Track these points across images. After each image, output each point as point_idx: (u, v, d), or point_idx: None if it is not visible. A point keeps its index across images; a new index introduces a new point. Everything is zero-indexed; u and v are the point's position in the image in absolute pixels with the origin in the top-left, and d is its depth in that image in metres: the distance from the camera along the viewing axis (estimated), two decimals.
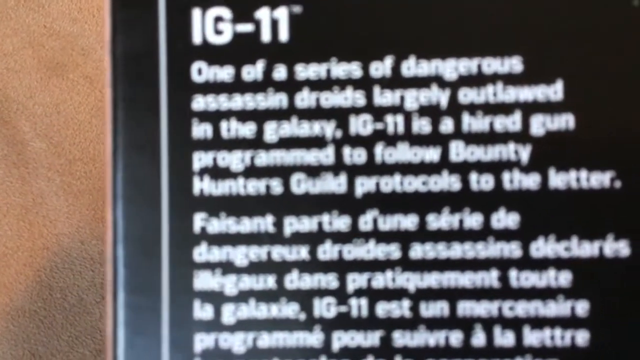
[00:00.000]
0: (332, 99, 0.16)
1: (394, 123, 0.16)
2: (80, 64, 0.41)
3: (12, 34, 0.41)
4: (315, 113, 0.16)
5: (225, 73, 0.16)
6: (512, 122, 0.16)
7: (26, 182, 0.40)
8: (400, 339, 0.16)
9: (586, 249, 0.15)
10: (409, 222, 0.16)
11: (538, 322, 0.15)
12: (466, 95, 0.16)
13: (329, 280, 0.16)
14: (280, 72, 0.16)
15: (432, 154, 0.16)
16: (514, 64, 0.16)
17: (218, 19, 0.16)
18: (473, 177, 0.16)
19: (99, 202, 0.40)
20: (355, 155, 0.16)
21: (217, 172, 0.16)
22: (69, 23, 0.41)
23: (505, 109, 0.16)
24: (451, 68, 0.16)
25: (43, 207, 0.40)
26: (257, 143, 0.16)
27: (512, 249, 0.15)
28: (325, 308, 0.16)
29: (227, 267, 0.16)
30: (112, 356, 0.16)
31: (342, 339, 0.16)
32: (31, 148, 0.41)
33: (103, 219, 0.40)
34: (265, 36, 0.16)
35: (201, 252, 0.16)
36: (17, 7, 0.42)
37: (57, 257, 0.40)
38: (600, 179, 0.15)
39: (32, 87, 0.41)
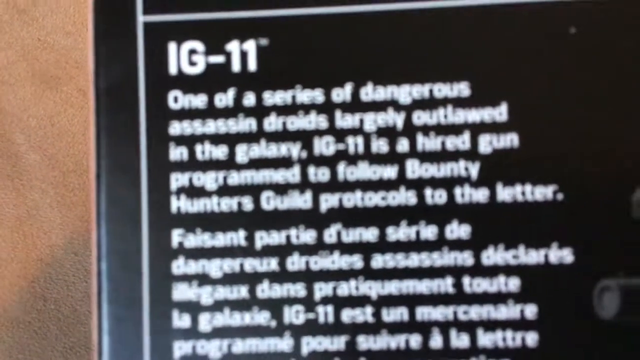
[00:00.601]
0: (297, 122, 0.17)
1: (354, 144, 0.17)
2: (74, 77, 0.41)
3: (7, 47, 0.42)
4: (282, 136, 0.17)
5: (199, 100, 0.17)
6: (462, 142, 0.17)
7: (20, 193, 0.41)
8: (364, 342, 0.17)
9: (533, 257, 0.17)
10: (370, 234, 0.17)
11: (490, 325, 0.17)
12: (420, 117, 0.17)
13: (298, 289, 0.17)
14: (249, 99, 0.17)
15: (389, 172, 0.17)
16: (462, 89, 0.17)
17: (192, 52, 0.17)
18: (428, 192, 0.17)
19: (91, 212, 0.41)
20: (319, 174, 0.17)
21: (193, 191, 0.17)
22: (63, 36, 0.42)
23: (455, 129, 0.17)
24: (405, 93, 0.17)
25: (37, 218, 0.41)
26: (229, 164, 0.17)
27: (465, 258, 0.17)
28: (294, 315, 0.17)
29: (203, 279, 0.17)
30: None
31: (310, 344, 0.17)
32: (25, 160, 0.41)
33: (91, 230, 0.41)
34: (236, 66, 0.17)
35: (179, 265, 0.17)
36: (11, 21, 0.42)
37: (51, 268, 0.40)
38: (543, 192, 0.17)
39: (26, 99, 0.41)
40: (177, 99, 0.17)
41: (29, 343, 0.39)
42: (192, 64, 0.17)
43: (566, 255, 0.17)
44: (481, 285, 0.17)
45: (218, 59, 0.17)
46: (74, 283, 0.40)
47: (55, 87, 0.41)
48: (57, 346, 0.39)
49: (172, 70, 0.18)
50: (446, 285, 0.17)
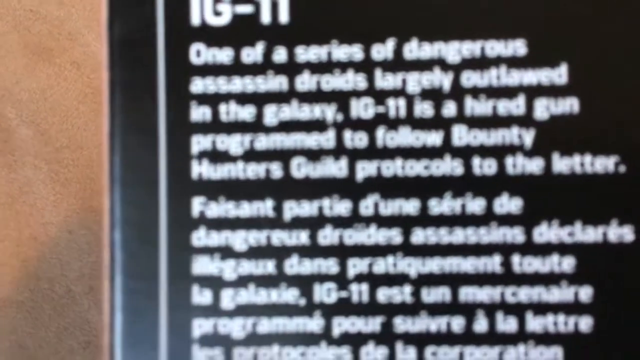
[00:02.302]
0: (333, 82, 0.16)
1: (395, 107, 0.16)
2: (67, 49, 0.40)
3: None
4: (316, 96, 0.16)
5: (224, 55, 0.16)
6: (515, 106, 0.15)
7: (12, 170, 0.40)
8: (402, 324, 0.15)
9: (590, 235, 0.15)
10: (410, 206, 0.15)
11: (541, 308, 0.15)
12: (469, 78, 0.15)
13: (330, 266, 0.15)
14: (280, 55, 0.16)
15: (434, 138, 0.15)
16: (518, 47, 0.15)
17: (217, 0, 0.16)
18: (476, 161, 0.15)
19: (87, 190, 0.39)
20: (356, 139, 0.16)
21: (216, 156, 0.16)
22: (55, 7, 0.41)
23: (508, 92, 0.15)
24: (454, 51, 0.15)
25: (30, 195, 0.39)
26: (256, 126, 0.16)
27: (515, 234, 0.15)
28: (325, 293, 0.15)
29: (226, 252, 0.16)
30: (109, 341, 0.15)
31: (342, 325, 0.15)
32: (17, 135, 0.40)
33: (91, 207, 0.39)
34: (265, 17, 0.16)
35: (200, 237, 0.16)
36: None
37: (44, 247, 0.39)
38: (604, 164, 0.15)
39: (17, 72, 0.40)
40: (200, 53, 0.16)
41: (21, 323, 0.37)
42: (217, 13, 0.16)
43: (626, 234, 0.15)
44: (532, 264, 0.15)
45: (246, 8, 0.16)
46: (68, 262, 0.38)
47: (48, 60, 0.40)
48: (50, 327, 0.37)
49: (195, 20, 0.16)
50: (493, 264, 0.15)
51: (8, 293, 0.38)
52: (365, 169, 0.16)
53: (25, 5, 0.41)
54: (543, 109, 0.15)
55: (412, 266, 0.15)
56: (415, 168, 0.15)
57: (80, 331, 0.38)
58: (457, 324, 0.15)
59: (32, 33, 0.41)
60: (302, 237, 0.16)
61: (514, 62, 0.15)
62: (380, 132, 0.16)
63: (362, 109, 0.16)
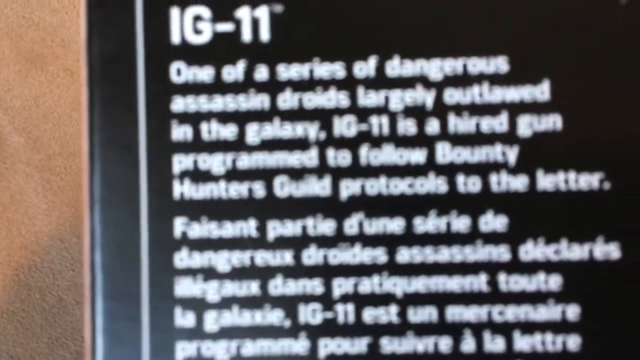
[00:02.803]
0: (315, 100, 0.15)
1: (378, 124, 0.15)
2: (60, 56, 0.40)
3: None
4: (298, 114, 0.15)
5: (205, 73, 0.16)
6: (498, 123, 0.15)
7: (4, 178, 0.39)
8: (388, 345, 0.15)
9: (576, 252, 0.15)
10: (395, 225, 0.15)
11: (528, 327, 0.15)
12: (452, 95, 0.15)
13: (314, 286, 0.15)
14: (261, 73, 0.16)
15: (418, 156, 0.15)
16: (500, 64, 0.15)
17: (197, 18, 0.16)
18: (460, 179, 0.15)
19: (79, 198, 0.39)
20: (339, 157, 0.15)
21: (198, 175, 0.16)
22: (48, 14, 0.41)
23: (491, 109, 0.15)
24: (436, 68, 0.15)
25: (21, 204, 0.39)
26: (238, 145, 0.16)
27: (501, 253, 0.15)
28: (310, 314, 0.15)
29: (209, 273, 0.15)
30: None
31: (328, 346, 0.15)
32: (9, 143, 0.40)
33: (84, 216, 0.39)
34: (246, 36, 0.16)
35: (182, 258, 0.15)
36: None
37: (35, 255, 0.39)
38: (589, 180, 0.15)
39: (10, 79, 0.40)
40: (180, 72, 0.16)
41: (12, 333, 0.37)
42: (197, 32, 0.16)
43: (613, 251, 0.15)
44: (519, 283, 0.15)
45: (226, 26, 0.16)
46: (60, 271, 0.38)
47: (41, 67, 0.40)
48: (42, 337, 0.37)
49: (175, 39, 0.16)
50: (480, 282, 0.15)
51: None
52: (349, 188, 0.15)
53: (17, 12, 0.41)
54: (526, 125, 0.15)
55: (398, 285, 0.15)
56: (400, 186, 0.15)
57: (72, 341, 0.38)
58: (445, 344, 0.15)
59: (25, 40, 0.40)
60: (286, 257, 0.15)
61: (496, 80, 0.15)
62: (364, 150, 0.15)
63: (345, 127, 0.15)
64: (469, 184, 0.15)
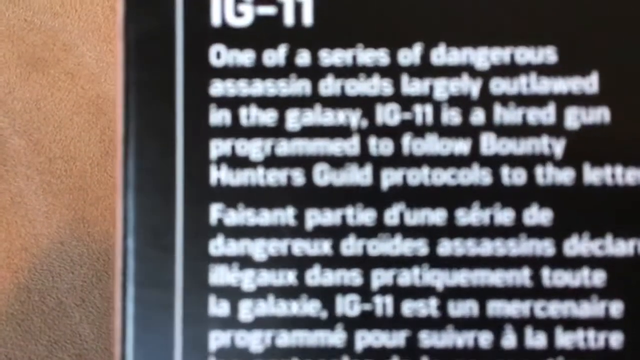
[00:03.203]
0: (357, 87, 0.15)
1: (422, 113, 0.15)
2: (61, 60, 0.40)
3: None
4: (340, 101, 0.15)
5: (245, 57, 0.15)
6: (545, 115, 0.15)
7: (4, 180, 0.39)
8: (427, 339, 0.15)
9: (621, 248, 0.15)
10: (437, 216, 0.15)
11: (571, 323, 0.15)
12: (498, 85, 0.15)
13: (353, 277, 0.15)
14: (303, 58, 0.15)
15: (462, 146, 0.15)
16: (548, 54, 0.15)
17: (239, 0, 0.15)
18: (504, 171, 0.15)
19: (79, 201, 0.39)
20: (381, 146, 0.15)
21: (236, 161, 0.15)
22: (50, 17, 0.40)
23: (538, 100, 0.15)
24: (483, 57, 0.15)
25: (22, 206, 0.39)
26: (278, 131, 0.15)
27: (545, 247, 0.15)
28: (348, 306, 0.15)
29: (245, 262, 0.15)
30: (120, 354, 0.15)
31: (365, 339, 0.15)
32: (10, 145, 0.40)
33: (84, 219, 0.39)
34: (288, 19, 0.15)
35: (217, 245, 0.15)
36: None
37: (35, 258, 0.38)
38: (636, 175, 0.15)
39: (11, 82, 0.40)
40: (220, 55, 0.15)
41: (11, 336, 0.37)
42: (238, 14, 0.15)
43: None
44: (562, 278, 0.15)
45: (268, 9, 0.15)
46: (60, 274, 0.38)
47: (42, 70, 0.40)
48: (41, 340, 0.36)
49: (215, 21, 0.15)
50: (522, 277, 0.15)
51: None
52: (391, 177, 0.15)
53: (19, 15, 0.40)
54: (574, 118, 0.15)
55: (439, 278, 0.15)
56: (442, 177, 0.15)
57: (72, 344, 0.37)
58: (485, 339, 0.15)
59: (26, 43, 0.40)
60: (324, 247, 0.15)
61: (544, 70, 0.15)
62: (407, 140, 0.15)
63: (388, 115, 0.15)
64: (514, 176, 0.15)
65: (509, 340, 0.15)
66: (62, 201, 0.39)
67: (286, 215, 0.15)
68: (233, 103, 0.15)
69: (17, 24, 0.41)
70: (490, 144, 0.15)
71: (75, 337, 0.37)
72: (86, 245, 0.39)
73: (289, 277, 0.15)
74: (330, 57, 0.15)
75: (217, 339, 0.15)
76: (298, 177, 0.15)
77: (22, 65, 0.40)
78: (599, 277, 0.15)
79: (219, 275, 0.15)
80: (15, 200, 0.39)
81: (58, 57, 0.40)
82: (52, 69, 0.40)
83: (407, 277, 0.15)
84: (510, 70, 0.15)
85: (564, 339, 0.15)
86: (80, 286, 0.38)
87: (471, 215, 0.15)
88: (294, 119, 0.15)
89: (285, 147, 0.15)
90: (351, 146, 0.15)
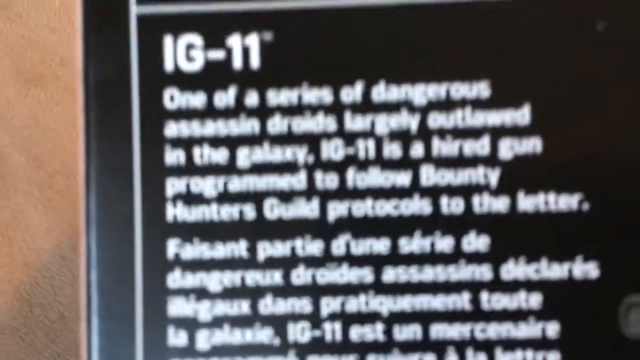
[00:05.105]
0: (303, 124, 0.16)
1: (365, 148, 0.16)
2: (59, 75, 0.41)
3: None
4: (287, 139, 0.16)
5: (197, 100, 0.16)
6: (480, 146, 0.16)
7: (4, 196, 0.40)
8: None
9: (556, 271, 0.16)
10: (381, 245, 0.16)
11: (510, 344, 0.16)
12: (436, 119, 0.16)
13: (303, 305, 0.16)
14: (252, 98, 0.16)
15: (403, 178, 0.16)
16: (482, 89, 0.16)
17: (190, 46, 0.16)
18: (444, 200, 0.16)
19: (79, 216, 0.40)
20: (327, 180, 0.16)
21: (191, 198, 0.16)
22: (48, 33, 0.41)
23: (474, 133, 0.16)
24: (420, 93, 0.16)
25: (22, 222, 0.40)
26: (229, 169, 0.16)
27: (483, 272, 0.16)
28: (299, 332, 0.16)
29: (201, 293, 0.16)
30: None
31: None
32: (9, 161, 0.40)
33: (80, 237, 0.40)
34: (237, 63, 0.16)
35: (175, 278, 0.16)
36: None
37: (37, 272, 0.39)
38: (568, 202, 0.16)
39: (10, 98, 0.41)
40: (174, 98, 0.16)
41: (14, 350, 0.38)
42: (189, 59, 0.16)
43: (591, 270, 0.15)
44: (500, 301, 0.16)
45: (218, 54, 0.16)
46: (61, 288, 0.39)
47: (40, 86, 0.41)
48: (44, 353, 0.38)
49: (168, 66, 0.16)
50: (463, 301, 0.16)
51: (1, 319, 0.38)
52: (337, 210, 0.16)
53: (17, 31, 0.41)
54: (507, 148, 0.16)
55: (384, 304, 0.16)
56: (385, 208, 0.16)
57: (74, 357, 0.38)
58: None
59: (24, 59, 0.41)
60: (275, 277, 0.16)
61: (478, 104, 0.16)
62: (351, 173, 0.16)
63: (333, 150, 0.16)
64: (452, 205, 0.16)
65: None
66: (63, 216, 0.40)
67: (239, 248, 0.16)
68: (187, 143, 0.16)
69: (14, 40, 0.41)
70: (429, 175, 0.16)
71: (77, 350, 0.38)
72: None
73: (243, 306, 0.16)
74: (277, 97, 0.16)
75: None
76: (249, 211, 0.16)
77: (20, 82, 0.41)
78: (535, 300, 0.16)
79: (177, 307, 0.16)
80: (16, 216, 0.40)
81: (56, 72, 0.41)
82: (50, 84, 0.41)
83: (354, 304, 0.16)
84: (447, 104, 0.16)
85: (504, 359, 0.16)
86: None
87: (413, 244, 0.16)
88: (244, 156, 0.16)
89: (237, 184, 0.16)
90: (299, 181, 0.16)
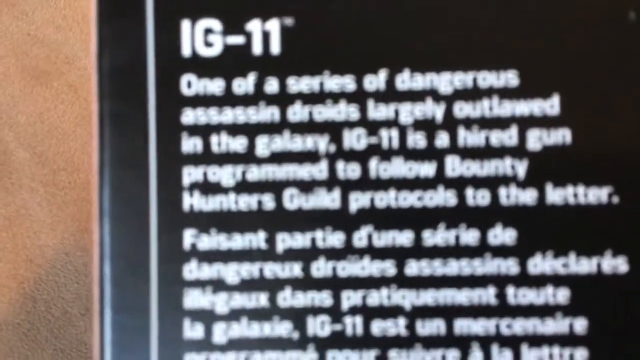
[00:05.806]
0: (325, 112, 0.16)
1: (388, 137, 0.15)
2: (64, 72, 0.40)
3: None
4: (308, 127, 0.16)
5: (215, 86, 0.16)
6: (508, 137, 0.15)
7: (9, 192, 0.40)
8: (396, 357, 0.15)
9: (584, 266, 0.15)
10: (404, 238, 0.15)
11: (536, 340, 0.15)
12: (462, 109, 0.15)
13: (323, 298, 0.15)
14: (272, 85, 0.16)
15: (427, 169, 0.15)
16: (510, 78, 0.15)
17: (208, 31, 0.16)
18: (469, 192, 0.15)
19: (83, 212, 0.39)
20: (349, 170, 0.15)
21: (208, 187, 0.16)
22: (53, 31, 0.41)
23: (501, 123, 0.15)
24: (446, 82, 0.15)
25: (27, 218, 0.39)
26: (248, 157, 0.16)
27: (509, 266, 0.15)
28: (319, 326, 0.15)
29: (218, 285, 0.15)
30: None
31: (336, 358, 0.15)
32: (14, 158, 0.40)
33: (88, 230, 0.39)
34: (257, 49, 0.16)
35: (191, 270, 0.15)
36: (0, 15, 0.41)
37: (41, 269, 0.39)
38: (597, 195, 0.15)
39: (15, 95, 0.40)
40: (191, 84, 0.16)
41: (18, 345, 0.37)
42: (208, 45, 0.16)
43: (620, 265, 0.15)
44: (527, 296, 0.15)
45: (237, 39, 0.16)
46: (65, 284, 0.38)
47: (46, 83, 0.40)
48: (47, 349, 0.37)
49: (186, 51, 0.16)
50: (488, 295, 0.15)
51: (5, 315, 0.38)
52: (359, 200, 0.15)
53: (22, 29, 0.41)
54: (535, 139, 0.15)
55: (406, 298, 0.15)
56: (409, 199, 0.15)
57: (77, 353, 0.37)
58: (453, 356, 0.15)
59: (30, 57, 0.41)
60: (295, 270, 0.15)
61: (506, 93, 0.15)
62: (373, 163, 0.15)
63: (355, 139, 0.15)
64: (478, 197, 0.15)
65: (476, 357, 0.15)
66: (67, 212, 0.40)
67: (257, 239, 0.15)
68: (204, 131, 0.16)
69: (20, 38, 0.41)
70: (454, 166, 0.15)
71: (80, 346, 0.38)
72: (90, 255, 0.39)
73: (261, 299, 0.15)
74: (298, 84, 0.16)
75: None
76: (268, 201, 0.16)
77: (25, 79, 0.41)
78: (563, 295, 0.15)
79: (193, 299, 0.15)
80: (20, 212, 0.40)
81: (61, 70, 0.41)
82: (55, 81, 0.41)
83: (376, 298, 0.15)
84: (473, 94, 0.15)
85: (530, 356, 0.15)
86: (85, 296, 0.38)
87: (437, 236, 0.15)
88: (263, 145, 0.16)
89: (255, 173, 0.16)
90: (320, 171, 0.15)
